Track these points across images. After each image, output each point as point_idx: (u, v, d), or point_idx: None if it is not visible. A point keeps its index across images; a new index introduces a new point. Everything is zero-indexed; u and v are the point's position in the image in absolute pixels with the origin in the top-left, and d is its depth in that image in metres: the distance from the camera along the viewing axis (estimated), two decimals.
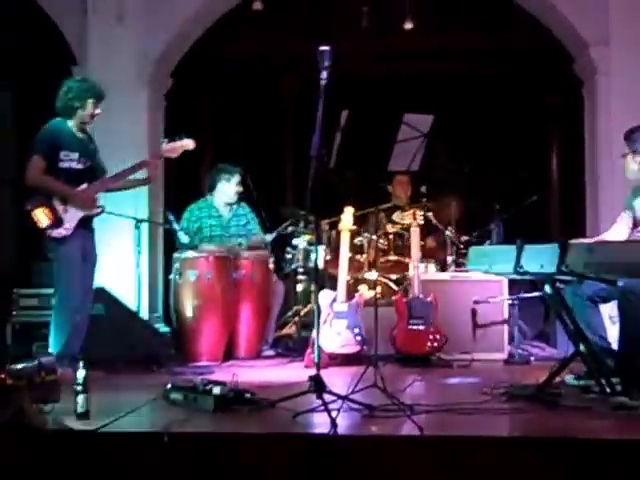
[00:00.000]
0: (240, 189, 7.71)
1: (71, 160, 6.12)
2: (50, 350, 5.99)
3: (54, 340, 6.04)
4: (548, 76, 10.03)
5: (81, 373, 4.51)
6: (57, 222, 6.00)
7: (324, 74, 4.72)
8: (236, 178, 7.69)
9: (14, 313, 7.51)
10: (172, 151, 6.49)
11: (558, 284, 5.09)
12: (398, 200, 8.43)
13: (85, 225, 6.19)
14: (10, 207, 8.87)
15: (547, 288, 5.02)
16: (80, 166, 6.18)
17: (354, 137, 5.02)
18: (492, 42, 9.83)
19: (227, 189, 7.71)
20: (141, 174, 6.56)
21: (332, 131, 5.00)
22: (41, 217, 5.96)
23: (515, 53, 9.88)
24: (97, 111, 6.29)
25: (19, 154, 8.47)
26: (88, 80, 6.50)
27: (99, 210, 6.28)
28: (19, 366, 4.67)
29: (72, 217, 6.06)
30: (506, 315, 7.08)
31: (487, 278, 6.97)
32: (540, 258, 4.72)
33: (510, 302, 7.05)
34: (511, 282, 7.03)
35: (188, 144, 6.49)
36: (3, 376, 4.52)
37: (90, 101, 6.20)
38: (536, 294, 6.74)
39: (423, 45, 9.92)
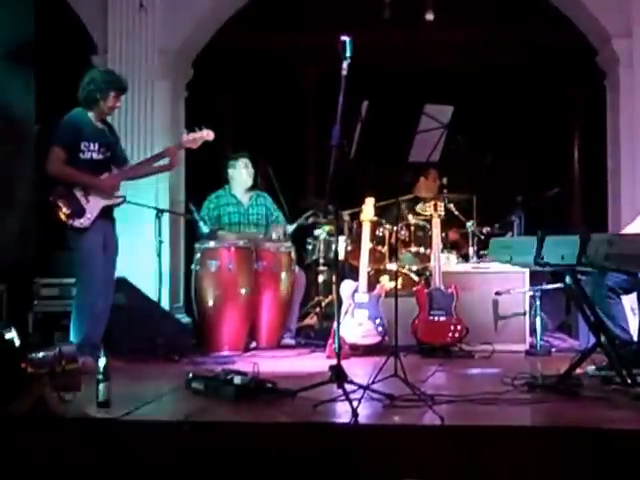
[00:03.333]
0: (249, 173, 7.72)
1: (91, 151, 6.13)
2: (71, 339, 6.02)
3: (75, 329, 6.06)
4: (570, 68, 9.98)
5: (102, 362, 4.53)
6: (78, 212, 6.01)
7: (345, 65, 4.72)
8: (241, 163, 7.71)
9: (35, 302, 7.54)
10: (192, 142, 6.49)
11: (579, 276, 5.06)
12: (427, 192, 8.40)
13: (106, 215, 6.21)
14: (31, 197, 8.92)
15: (568, 279, 5.00)
16: (100, 157, 6.19)
17: (375, 128, 5.00)
18: (514, 34, 9.79)
19: (235, 175, 7.74)
20: (163, 160, 6.57)
21: (353, 122, 4.98)
22: (62, 208, 5.98)
23: (537, 45, 9.84)
24: (118, 104, 6.32)
25: (40, 144, 8.54)
26: (111, 72, 6.52)
27: (120, 200, 6.30)
28: (40, 355, 4.70)
29: (93, 207, 6.07)
30: (527, 306, 7.06)
31: (508, 269, 6.94)
32: (561, 250, 4.70)
33: (531, 293, 7.02)
34: (532, 274, 7.01)
35: (208, 135, 6.49)
36: (24, 365, 4.55)
37: (112, 93, 6.21)
38: (557, 285, 6.71)
39: (444, 36, 9.89)
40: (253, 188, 7.85)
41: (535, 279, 7.10)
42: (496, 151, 8.78)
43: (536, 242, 4.79)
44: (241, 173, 7.71)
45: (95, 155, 6.15)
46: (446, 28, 9.77)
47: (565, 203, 10.33)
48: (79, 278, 6.17)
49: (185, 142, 6.51)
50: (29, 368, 4.56)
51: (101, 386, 4.49)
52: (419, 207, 7.90)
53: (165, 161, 6.54)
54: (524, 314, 7.06)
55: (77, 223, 6.02)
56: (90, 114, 6.21)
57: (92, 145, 6.13)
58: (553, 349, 6.94)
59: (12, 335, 5.11)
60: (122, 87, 6.31)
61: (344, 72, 4.71)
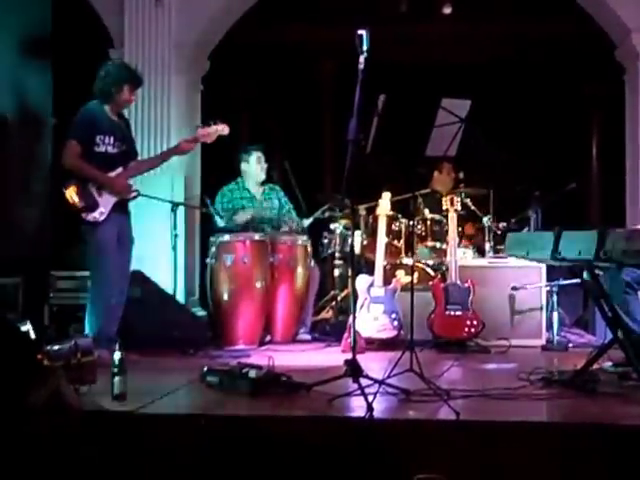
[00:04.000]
0: (262, 167, 7.72)
1: (106, 144, 6.14)
2: (87, 332, 6.03)
3: (90, 323, 6.07)
4: (589, 63, 9.93)
5: (117, 355, 4.53)
6: (92, 206, 6.02)
7: (362, 58, 4.70)
8: (254, 157, 7.71)
9: (51, 295, 7.56)
10: (207, 136, 6.48)
11: (596, 271, 5.04)
12: (442, 187, 8.38)
13: (121, 209, 6.21)
14: (47, 191, 8.95)
15: (585, 275, 4.97)
16: (115, 150, 6.19)
17: (391, 122, 4.98)
18: (532, 29, 9.75)
19: (248, 169, 7.74)
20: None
21: (369, 116, 4.96)
22: (76, 199, 5.98)
23: (556, 41, 9.79)
24: (133, 97, 6.34)
25: (56, 138, 8.56)
26: (127, 66, 6.54)
27: (134, 194, 6.30)
28: (56, 348, 4.71)
29: (107, 201, 6.07)
30: (544, 302, 7.03)
31: (525, 265, 6.92)
32: (578, 245, 4.68)
33: (548, 289, 7.00)
34: (549, 269, 6.98)
35: (223, 129, 6.48)
36: (40, 357, 4.55)
37: (127, 87, 6.22)
38: (575, 281, 6.69)
39: (462, 31, 9.85)
40: (266, 181, 7.85)
41: (552, 274, 7.08)
42: (514, 146, 8.75)
43: (553, 237, 4.77)
44: (254, 167, 7.71)
45: (110, 149, 6.15)
46: (464, 22, 9.73)
47: (583, 199, 10.29)
48: (94, 271, 6.17)
49: (200, 136, 6.50)
50: (45, 361, 4.57)
51: (116, 379, 4.49)
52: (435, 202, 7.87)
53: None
54: (541, 309, 7.04)
55: (90, 217, 6.02)
56: (106, 107, 6.21)
57: (107, 138, 6.13)
58: (570, 344, 6.90)
59: (28, 328, 5.13)
60: (137, 81, 6.32)
61: (361, 66, 4.70)
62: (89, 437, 4.10)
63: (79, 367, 4.68)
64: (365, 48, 4.69)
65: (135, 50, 8.04)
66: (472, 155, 6.39)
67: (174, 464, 4.03)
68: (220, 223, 7.28)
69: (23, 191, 8.78)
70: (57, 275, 7.64)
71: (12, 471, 4.06)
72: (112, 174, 6.15)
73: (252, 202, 7.67)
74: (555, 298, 6.94)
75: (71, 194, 6.00)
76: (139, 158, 6.56)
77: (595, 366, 5.10)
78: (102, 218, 6.03)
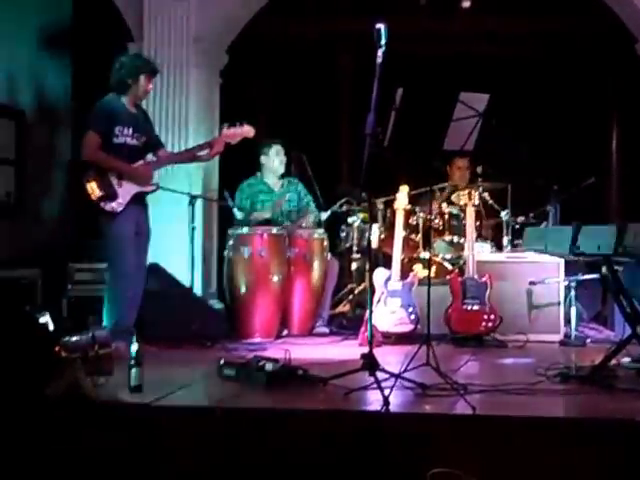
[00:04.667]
0: (281, 160, 7.71)
1: (125, 136, 6.15)
2: (104, 324, 6.05)
3: (108, 314, 6.09)
4: (609, 58, 9.86)
5: (134, 347, 4.55)
6: (110, 196, 6.02)
7: (380, 53, 4.69)
8: (273, 150, 7.70)
9: (69, 287, 7.59)
10: (232, 136, 6.48)
11: (615, 266, 5.01)
12: (457, 181, 8.35)
13: (139, 201, 6.21)
14: (67, 182, 8.99)
15: (604, 270, 4.95)
16: (135, 142, 6.21)
17: (409, 115, 4.97)
18: (552, 23, 9.68)
19: (267, 162, 7.73)
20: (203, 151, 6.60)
21: (387, 109, 4.95)
22: (94, 190, 6.00)
23: (575, 34, 9.72)
24: (150, 86, 6.34)
25: (76, 130, 8.59)
26: (141, 56, 6.58)
27: (153, 187, 6.32)
28: (74, 339, 4.73)
29: (126, 192, 6.08)
30: (562, 296, 7.00)
31: (543, 259, 6.90)
32: (597, 239, 4.67)
33: (566, 283, 6.96)
34: (568, 264, 6.95)
35: (248, 132, 6.49)
36: (58, 349, 4.58)
37: (143, 77, 6.23)
38: (593, 276, 6.66)
39: (480, 24, 9.80)
40: (284, 175, 7.85)
41: (570, 269, 7.04)
42: (532, 140, 8.70)
43: (572, 232, 4.75)
44: (273, 160, 7.70)
45: (129, 140, 6.17)
46: (483, 17, 9.68)
47: (601, 194, 10.23)
48: (111, 264, 6.18)
49: (225, 136, 6.50)
50: (63, 352, 4.60)
51: (133, 371, 4.51)
52: (454, 196, 7.85)
53: (205, 151, 6.55)
54: (559, 304, 7.00)
55: (108, 207, 6.03)
56: (123, 99, 6.22)
57: (126, 130, 6.14)
58: (588, 340, 6.87)
59: (46, 319, 5.15)
60: (153, 70, 6.34)
61: (379, 60, 4.69)
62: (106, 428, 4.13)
63: (96, 359, 4.70)
64: (383, 42, 4.68)
65: (154, 44, 8.02)
66: (490, 149, 6.38)
67: (190, 456, 4.04)
68: (238, 216, 7.29)
69: (42, 183, 8.83)
70: (75, 267, 7.66)
71: (30, 461, 4.09)
72: (136, 165, 6.17)
73: (271, 195, 7.67)
74: (573, 293, 6.90)
75: (90, 185, 6.01)
76: (165, 149, 6.60)
77: (613, 362, 5.08)
78: (120, 209, 6.04)
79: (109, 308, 6.10)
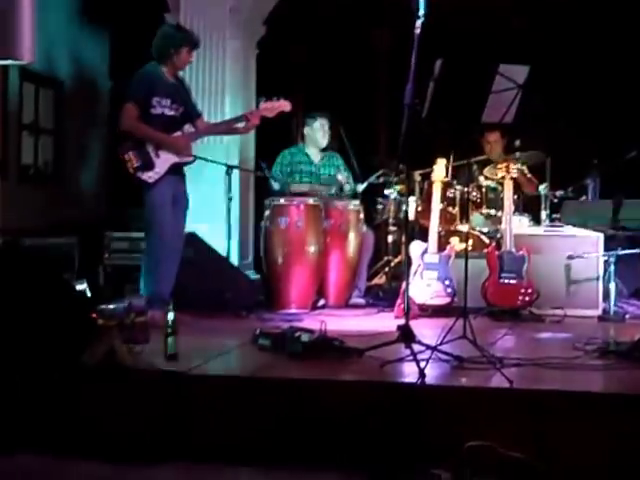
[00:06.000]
0: (324, 133, 7.69)
1: (163, 107, 6.17)
2: (141, 293, 6.08)
3: (145, 283, 6.12)
4: None
5: (171, 316, 4.56)
6: (147, 166, 6.05)
7: (418, 23, 4.65)
8: (318, 122, 7.68)
9: (106, 256, 7.63)
10: (269, 110, 6.47)
11: None
12: (490, 157, 8.28)
13: (176, 171, 6.24)
14: (104, 153, 9.02)
15: None
16: (172, 112, 6.23)
17: (448, 87, 4.91)
18: None
19: (310, 133, 7.73)
20: (240, 123, 6.60)
21: (426, 80, 4.90)
22: (132, 159, 6.02)
23: (615, 5, 9.58)
24: (191, 59, 6.36)
25: (113, 101, 8.61)
26: (183, 28, 6.57)
27: (191, 158, 6.33)
28: (110, 307, 4.76)
29: (163, 162, 6.10)
30: (601, 272, 6.92)
31: (582, 233, 6.83)
32: (639, 213, 4.60)
33: (606, 258, 6.87)
34: (607, 238, 6.86)
35: (285, 106, 6.48)
36: (95, 317, 4.61)
37: (185, 49, 6.24)
38: (634, 251, 6.58)
39: None
40: (326, 148, 7.83)
41: (610, 243, 6.95)
42: (573, 112, 8.60)
43: (612, 205, 4.69)
44: (317, 132, 7.69)
45: (167, 111, 6.19)
46: None
47: None
48: (148, 232, 6.21)
49: (263, 109, 6.49)
50: (99, 320, 4.63)
51: (169, 339, 4.53)
52: (486, 170, 7.79)
53: (242, 124, 6.55)
54: (597, 279, 6.92)
55: (145, 176, 6.06)
56: (163, 69, 6.23)
57: (164, 101, 6.16)
58: (627, 315, 6.78)
59: (83, 287, 5.19)
60: (195, 42, 6.36)
61: (417, 30, 4.65)
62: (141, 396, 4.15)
63: (133, 327, 4.74)
64: (422, 12, 4.64)
65: (191, 14, 7.99)
66: (529, 122, 6.30)
67: (224, 425, 4.05)
68: (276, 187, 7.30)
69: (80, 153, 8.87)
70: (112, 236, 7.69)
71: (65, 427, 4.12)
72: (174, 135, 6.18)
73: (310, 167, 7.67)
74: (613, 268, 6.81)
75: (128, 155, 6.04)
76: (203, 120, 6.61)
77: None
78: (157, 177, 6.06)
79: (146, 276, 6.13)
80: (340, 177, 7.58)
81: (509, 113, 5.21)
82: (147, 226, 6.20)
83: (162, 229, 6.10)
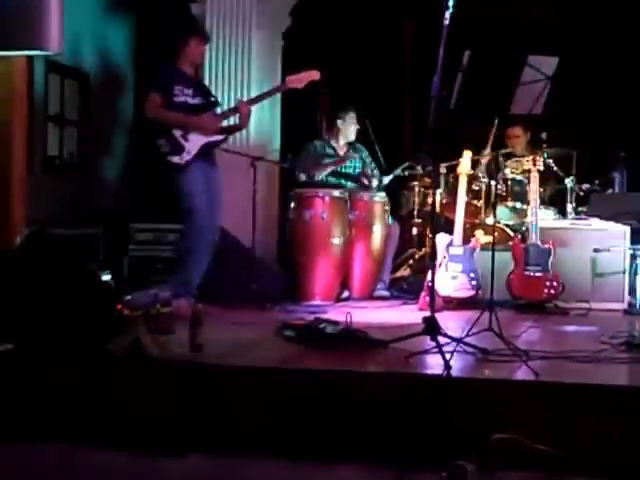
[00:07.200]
0: (355, 126, 7.70)
1: (186, 95, 6.26)
2: (168, 281, 6.10)
3: (175, 272, 6.17)
4: None
5: (196, 306, 4.57)
6: (177, 149, 6.11)
7: (447, 14, 4.63)
8: (350, 116, 7.71)
9: (131, 247, 7.65)
10: (297, 81, 6.48)
11: None
12: (514, 152, 8.24)
13: (207, 157, 6.28)
14: (129, 143, 9.04)
15: None
16: (196, 101, 6.32)
17: (476, 78, 4.89)
18: None
19: (342, 126, 7.74)
20: (234, 120, 6.62)
21: (453, 72, 4.88)
22: (161, 145, 6.09)
23: None
24: (201, 51, 6.52)
25: (138, 92, 8.62)
26: (192, 19, 6.76)
27: (222, 137, 6.36)
28: (136, 298, 4.77)
29: (193, 144, 6.16)
30: (627, 265, 6.88)
31: (608, 226, 6.80)
32: None
33: (632, 252, 6.84)
34: (634, 231, 6.82)
35: (314, 75, 6.50)
36: (120, 307, 4.62)
37: (193, 41, 6.37)
38: None
39: None
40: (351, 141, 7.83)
41: (637, 237, 6.91)
42: (600, 104, 8.54)
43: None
44: (349, 126, 7.70)
45: (190, 100, 6.29)
46: None
47: None
48: (185, 219, 6.23)
49: (290, 82, 6.50)
50: (125, 310, 4.64)
51: (195, 330, 4.53)
52: (509, 163, 7.76)
53: (236, 120, 6.58)
54: (623, 273, 6.88)
55: (176, 159, 6.12)
56: (180, 63, 6.34)
57: (186, 89, 6.25)
58: None
59: (108, 277, 5.20)
60: (201, 34, 6.46)
61: (446, 22, 4.62)
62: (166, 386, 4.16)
63: (158, 317, 4.75)
64: (451, 3, 4.61)
65: (217, 4, 8.00)
66: (557, 114, 6.26)
67: (250, 416, 4.06)
68: (302, 178, 7.31)
69: (105, 144, 8.89)
70: (137, 227, 7.71)
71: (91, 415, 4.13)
72: (201, 116, 6.24)
73: (335, 159, 7.66)
74: (639, 261, 6.78)
75: (156, 142, 6.09)
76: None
77: None
78: (188, 158, 6.11)
79: (177, 265, 6.17)
80: (366, 173, 7.59)
81: (538, 105, 5.19)
82: (183, 213, 6.21)
83: (198, 214, 6.14)
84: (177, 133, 6.12)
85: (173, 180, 6.13)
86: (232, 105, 6.88)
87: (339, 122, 7.72)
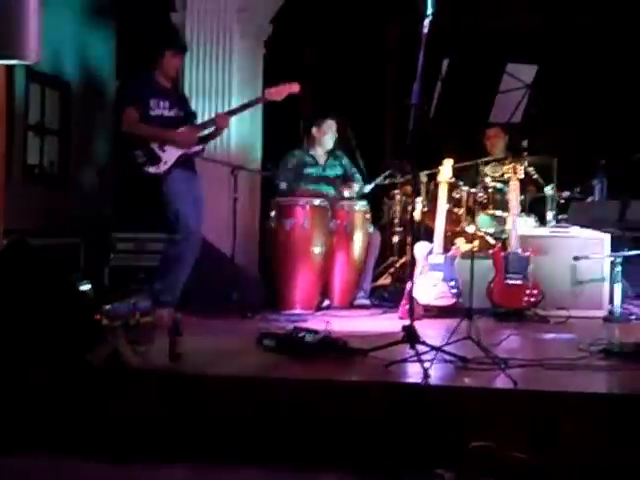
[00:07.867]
0: (332, 135, 7.69)
1: (162, 108, 6.27)
2: (151, 289, 6.09)
3: (158, 280, 6.16)
4: None
5: (175, 316, 4.56)
6: (154, 160, 6.11)
7: (426, 22, 4.64)
8: (326, 124, 7.68)
9: (112, 257, 7.62)
10: (277, 93, 6.49)
11: None
12: (492, 154, 8.26)
13: (186, 166, 6.28)
14: (109, 153, 9.02)
15: None
16: (172, 114, 6.32)
17: (455, 86, 4.91)
18: None
19: (317, 135, 7.71)
20: (209, 130, 6.60)
21: (433, 80, 4.90)
22: (137, 157, 6.06)
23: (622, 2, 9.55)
24: (177, 63, 6.49)
25: (119, 101, 8.61)
26: (170, 30, 6.72)
27: (199, 148, 6.35)
28: (115, 308, 4.75)
29: (170, 155, 6.17)
30: (607, 273, 6.90)
31: (588, 234, 6.82)
32: None
33: (612, 259, 6.86)
34: (613, 239, 6.84)
35: (293, 87, 6.50)
36: (99, 317, 4.60)
37: (168, 52, 6.36)
38: None
39: None
40: (331, 149, 7.82)
41: (616, 245, 6.93)
42: (581, 114, 8.57)
43: (619, 206, 4.68)
44: (324, 134, 7.69)
45: (166, 112, 6.30)
46: None
47: None
48: (171, 225, 6.22)
49: (270, 94, 6.50)
50: (104, 320, 4.62)
51: (174, 340, 4.51)
52: (488, 168, 7.78)
53: (212, 129, 6.57)
54: (603, 280, 6.91)
55: (153, 170, 6.13)
56: (155, 74, 6.35)
57: (162, 102, 6.25)
58: (632, 317, 6.76)
59: (87, 287, 5.18)
60: (177, 45, 6.48)
61: (425, 29, 4.63)
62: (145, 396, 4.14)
63: (137, 327, 4.72)
64: (430, 11, 4.62)
65: (197, 13, 7.98)
66: (537, 122, 6.29)
67: (229, 425, 4.05)
68: (282, 186, 7.31)
69: (85, 154, 8.87)
70: (118, 237, 7.69)
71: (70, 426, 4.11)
72: (178, 130, 6.23)
73: (316, 168, 7.65)
74: (619, 269, 6.80)
75: (134, 153, 6.08)
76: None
77: None
78: (166, 167, 6.10)
79: (162, 271, 6.19)
80: (347, 183, 7.59)
81: (517, 113, 5.20)
82: (170, 218, 6.20)
83: (186, 216, 6.15)
84: (154, 144, 6.13)
85: (157, 189, 6.12)
86: (211, 116, 6.87)
87: (314, 130, 7.70)
